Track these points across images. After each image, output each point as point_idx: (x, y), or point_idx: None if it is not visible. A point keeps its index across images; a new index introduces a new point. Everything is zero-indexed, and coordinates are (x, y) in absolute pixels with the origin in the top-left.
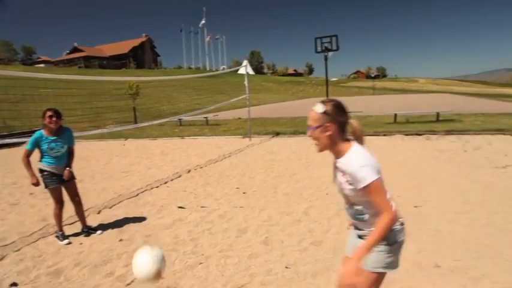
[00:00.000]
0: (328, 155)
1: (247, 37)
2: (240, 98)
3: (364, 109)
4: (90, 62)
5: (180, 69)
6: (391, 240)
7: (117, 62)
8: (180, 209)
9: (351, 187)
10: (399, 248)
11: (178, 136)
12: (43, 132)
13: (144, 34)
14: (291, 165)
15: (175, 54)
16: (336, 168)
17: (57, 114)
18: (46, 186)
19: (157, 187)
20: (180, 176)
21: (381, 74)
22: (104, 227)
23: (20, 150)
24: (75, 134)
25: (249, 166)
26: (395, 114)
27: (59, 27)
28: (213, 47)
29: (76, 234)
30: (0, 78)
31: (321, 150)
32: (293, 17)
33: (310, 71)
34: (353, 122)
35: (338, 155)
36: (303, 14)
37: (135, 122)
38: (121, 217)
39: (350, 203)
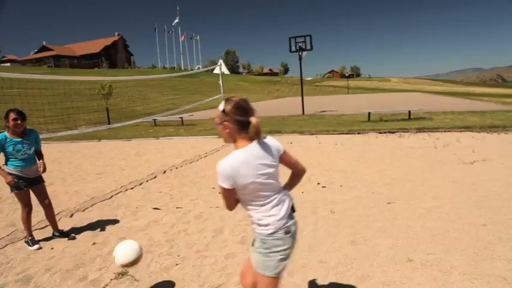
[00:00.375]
0: (301, 154)
1: (222, 36)
2: (215, 97)
3: (339, 108)
4: (61, 62)
5: (155, 69)
6: (267, 244)
7: (88, 62)
8: (155, 210)
9: None
10: (278, 255)
11: (154, 137)
12: (7, 134)
13: (116, 33)
14: None
15: (150, 54)
16: None
17: (22, 116)
18: (12, 191)
19: (131, 188)
20: (155, 177)
21: (355, 74)
22: (76, 230)
23: None
24: (44, 136)
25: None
26: (369, 113)
27: (27, 25)
28: (188, 46)
29: (47, 239)
30: None
31: (225, 142)
32: (268, 16)
33: (286, 70)
34: (252, 120)
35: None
36: (278, 13)
37: (109, 123)
38: (94, 220)
39: None
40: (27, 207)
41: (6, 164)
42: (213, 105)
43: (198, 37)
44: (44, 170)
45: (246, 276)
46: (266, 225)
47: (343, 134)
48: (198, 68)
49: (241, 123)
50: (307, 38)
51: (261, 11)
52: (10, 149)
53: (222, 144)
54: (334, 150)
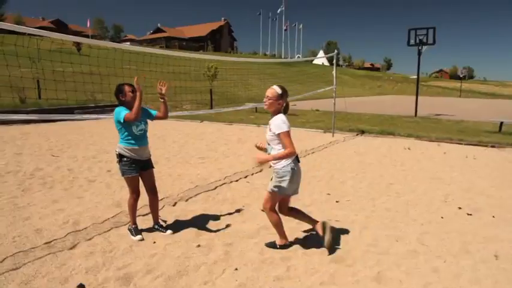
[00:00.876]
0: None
1: (324, 27)
2: (327, 88)
3: (454, 112)
4: (171, 43)
5: (256, 55)
6: (281, 172)
7: (195, 44)
8: (263, 212)
9: (272, 136)
10: (288, 180)
11: (254, 123)
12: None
13: (223, 18)
14: (385, 171)
15: (252, 40)
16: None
17: (133, 88)
18: (123, 174)
19: (236, 181)
20: (261, 171)
21: (467, 75)
22: (179, 224)
23: (102, 123)
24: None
25: (336, 167)
26: (501, 123)
27: (145, 7)
28: (290, 35)
29: (150, 230)
30: (105, 50)
31: (270, 111)
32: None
33: (389, 66)
34: (289, 104)
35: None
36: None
37: (211, 105)
38: (198, 213)
39: (270, 147)
40: (135, 194)
41: (120, 142)
42: (313, 96)
43: (301, 26)
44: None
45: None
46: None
47: (472, 145)
48: (298, 57)
49: (285, 104)
50: (430, 31)
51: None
52: (130, 124)
53: (329, 140)
54: (465, 165)
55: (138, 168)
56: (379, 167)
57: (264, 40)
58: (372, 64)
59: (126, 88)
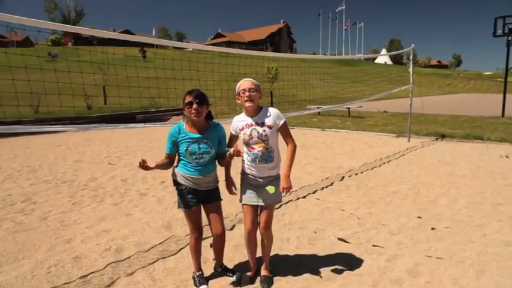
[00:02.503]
0: None
1: (386, 24)
2: (403, 88)
3: None
4: (231, 47)
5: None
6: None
7: (255, 48)
8: (341, 242)
9: (270, 130)
10: None
11: (318, 127)
12: (184, 125)
13: (282, 20)
14: (485, 186)
15: (311, 41)
16: (251, 125)
17: (200, 98)
18: (179, 207)
19: (304, 197)
20: (331, 184)
21: None
22: (240, 256)
23: (160, 128)
24: (217, 121)
25: (420, 180)
26: None
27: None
28: (350, 34)
29: (214, 276)
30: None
31: (252, 106)
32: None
33: (458, 63)
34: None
35: (254, 113)
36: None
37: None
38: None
39: (265, 147)
40: (197, 232)
41: (177, 165)
42: (380, 97)
43: (362, 25)
44: (236, 154)
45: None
46: None
47: None
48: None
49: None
50: None
51: None
52: (183, 147)
53: (405, 146)
54: None
55: (196, 200)
56: (474, 180)
57: (323, 40)
58: (439, 61)
59: (187, 97)
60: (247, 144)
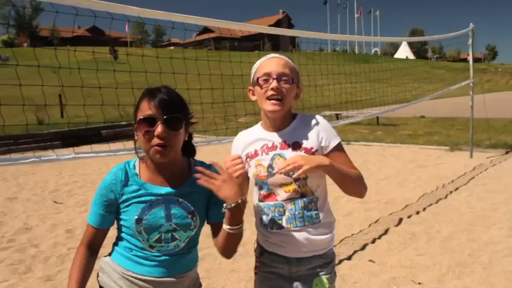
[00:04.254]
0: None
1: (406, 12)
2: (463, 84)
3: None
4: (221, 44)
5: (322, 52)
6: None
7: (249, 44)
8: None
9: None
10: None
11: (342, 140)
12: (135, 167)
13: (281, 10)
14: None
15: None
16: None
17: (171, 110)
18: None
19: (348, 258)
20: (385, 233)
21: None
22: None
23: (130, 143)
24: (201, 140)
25: (507, 217)
26: None
27: (190, 4)
28: (364, 25)
29: None
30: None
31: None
32: None
33: (494, 55)
34: None
35: (283, 123)
36: None
37: None
38: None
39: (299, 193)
40: None
41: (111, 252)
42: (406, 99)
43: (378, 13)
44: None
45: None
46: None
47: None
48: (376, 52)
49: None
50: None
51: None
52: (131, 215)
53: (467, 163)
54: None
55: None
56: None
57: (332, 33)
58: (468, 54)
59: (143, 106)
60: (261, 186)
